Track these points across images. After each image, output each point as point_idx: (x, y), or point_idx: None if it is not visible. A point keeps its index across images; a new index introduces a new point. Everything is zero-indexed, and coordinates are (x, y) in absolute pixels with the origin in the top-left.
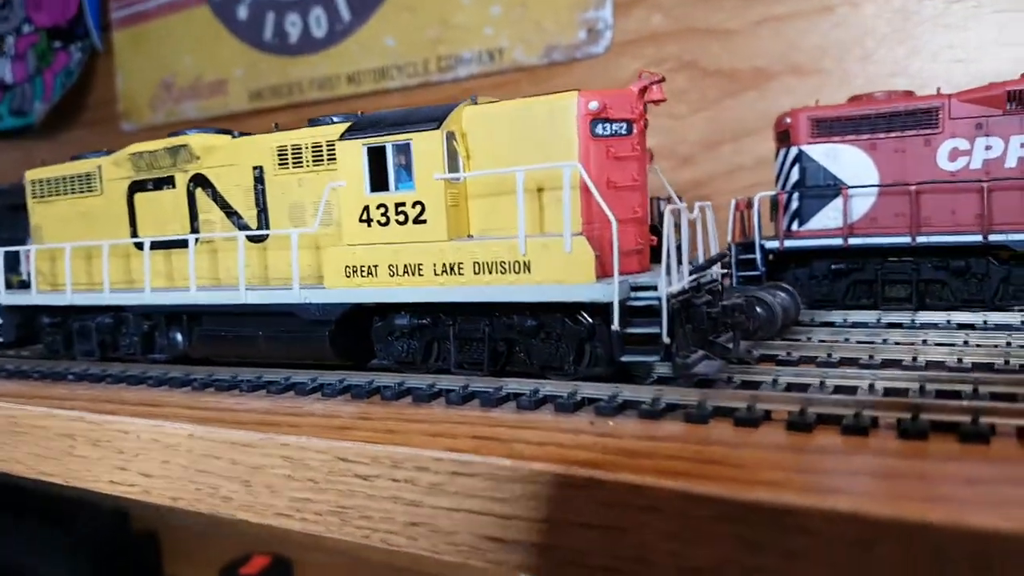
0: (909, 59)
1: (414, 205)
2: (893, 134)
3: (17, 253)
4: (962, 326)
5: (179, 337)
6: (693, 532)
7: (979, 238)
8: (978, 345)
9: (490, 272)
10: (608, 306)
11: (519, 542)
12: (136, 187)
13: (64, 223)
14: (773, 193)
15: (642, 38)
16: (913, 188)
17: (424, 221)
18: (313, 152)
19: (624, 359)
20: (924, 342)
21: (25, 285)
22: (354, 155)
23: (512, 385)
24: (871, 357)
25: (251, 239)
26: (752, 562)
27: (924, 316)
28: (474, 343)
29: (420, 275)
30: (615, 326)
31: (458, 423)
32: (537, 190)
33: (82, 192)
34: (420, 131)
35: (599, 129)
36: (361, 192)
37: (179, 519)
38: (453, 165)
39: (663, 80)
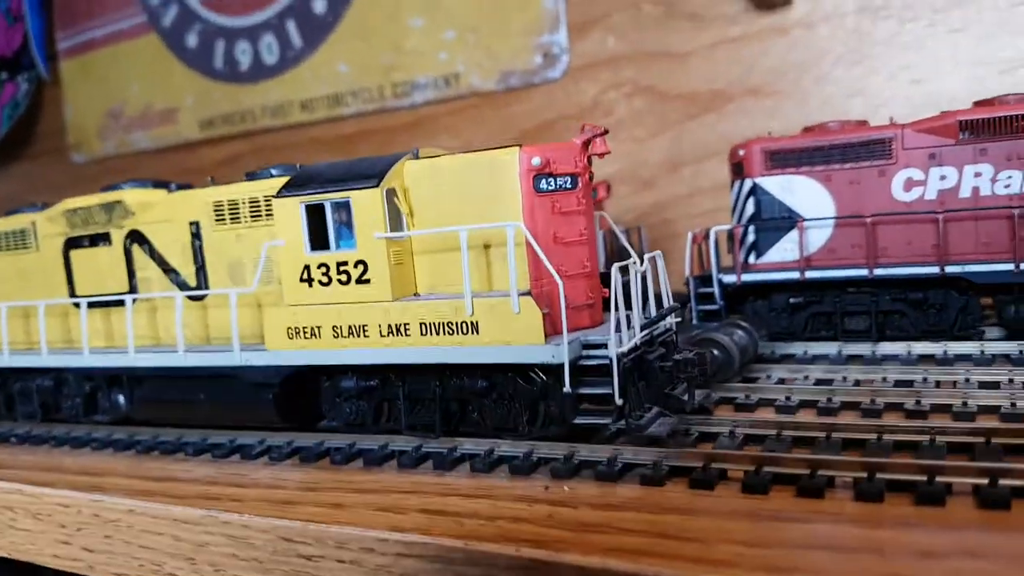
0: (866, 79)
1: (356, 264)
2: (848, 165)
3: None
4: (923, 357)
5: (120, 399)
6: None
7: (936, 270)
8: (937, 383)
9: (437, 333)
10: (559, 366)
11: None
12: (72, 244)
13: (2, 279)
14: (729, 227)
15: (599, 62)
16: (868, 220)
17: (367, 281)
18: (251, 207)
19: (577, 422)
20: (884, 379)
21: None
22: (292, 213)
23: (466, 445)
24: (829, 400)
25: (190, 298)
26: None
27: (885, 347)
28: (425, 403)
29: (365, 336)
30: (567, 388)
31: (409, 492)
32: (484, 246)
33: (17, 248)
34: (359, 188)
35: (543, 184)
36: (300, 251)
37: None
38: (395, 222)
39: (606, 132)
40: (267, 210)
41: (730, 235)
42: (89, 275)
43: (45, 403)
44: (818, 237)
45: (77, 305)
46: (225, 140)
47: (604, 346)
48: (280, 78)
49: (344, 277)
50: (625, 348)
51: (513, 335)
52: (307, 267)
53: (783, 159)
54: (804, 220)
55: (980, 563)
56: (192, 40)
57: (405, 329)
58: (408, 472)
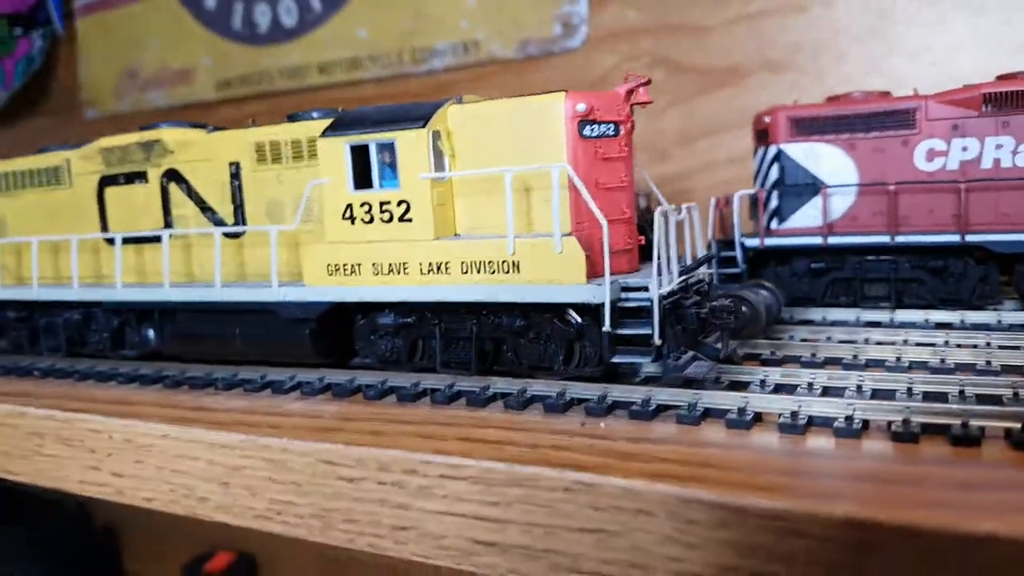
0: (884, 58)
1: (399, 204)
2: (872, 134)
3: None
4: (940, 325)
5: (151, 334)
6: (690, 536)
7: (957, 238)
8: (959, 345)
9: (478, 272)
10: (599, 307)
11: (511, 546)
12: (106, 181)
13: (30, 217)
14: (753, 191)
15: (617, 33)
16: (892, 187)
17: (410, 220)
18: (293, 148)
19: (615, 360)
20: (905, 341)
21: None
22: (336, 153)
23: (499, 385)
24: (855, 357)
25: (227, 235)
26: (750, 566)
27: (902, 315)
28: (460, 342)
29: (405, 274)
30: (606, 327)
31: (445, 424)
32: (525, 190)
33: (49, 185)
34: (405, 130)
35: (587, 130)
36: (344, 190)
37: (142, 516)
38: (439, 164)
39: (649, 82)
40: (310, 151)
41: (753, 200)
42: (123, 212)
43: (71, 337)
44: (841, 204)
45: (109, 241)
46: (242, 101)
47: (643, 289)
48: (298, 40)
49: (386, 216)
50: (666, 290)
51: (554, 275)
52: (350, 205)
53: (808, 126)
54: (828, 186)
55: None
56: (210, 1)
57: (446, 267)
58: (442, 408)
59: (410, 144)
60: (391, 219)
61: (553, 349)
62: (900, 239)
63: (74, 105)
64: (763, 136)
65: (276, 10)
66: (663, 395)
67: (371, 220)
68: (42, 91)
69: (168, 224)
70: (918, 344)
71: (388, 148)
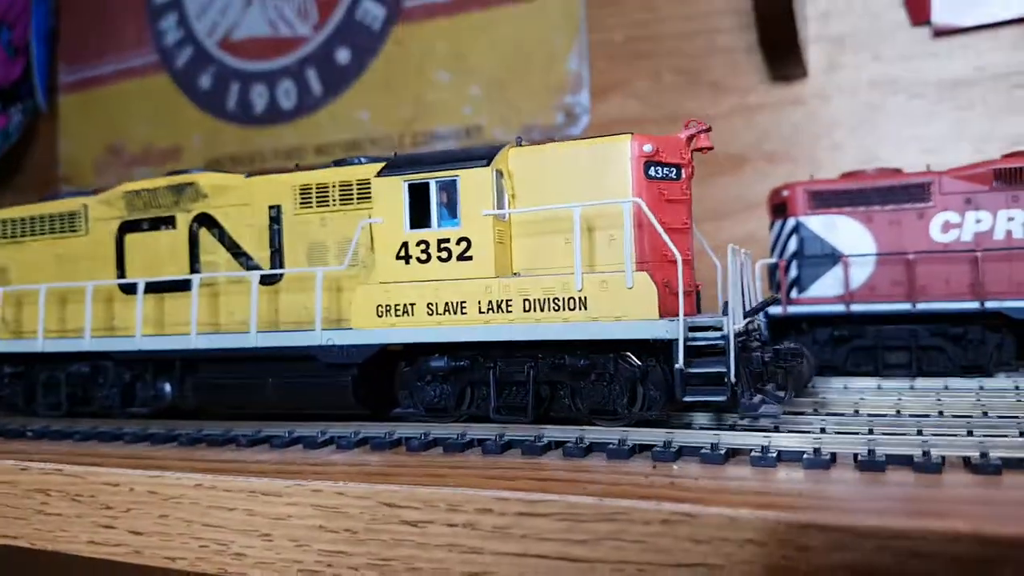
0: (876, 147)
1: (459, 241)
2: (889, 207)
3: None
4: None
5: (167, 388)
6: (802, 564)
7: (976, 305)
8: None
9: (542, 309)
10: (669, 344)
11: None
12: (127, 227)
13: (35, 266)
14: (773, 261)
15: (618, 122)
16: (912, 256)
17: (469, 257)
18: (341, 191)
19: (688, 399)
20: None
21: None
22: (393, 192)
23: (553, 432)
24: (898, 413)
25: (263, 282)
26: None
27: (921, 383)
28: (513, 387)
29: (463, 314)
30: (679, 364)
31: (508, 468)
32: (587, 230)
33: (62, 232)
34: (469, 168)
35: (652, 171)
36: (400, 229)
37: None
38: (500, 203)
39: (709, 129)
40: (359, 194)
41: (771, 271)
42: (144, 260)
43: (72, 394)
44: (859, 274)
45: (125, 291)
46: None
47: (715, 328)
48: (296, 123)
49: (444, 254)
50: (739, 328)
51: (624, 311)
52: (405, 244)
53: (826, 200)
54: (848, 256)
55: None
56: (206, 81)
57: (507, 306)
58: (494, 457)
59: (474, 181)
60: (449, 257)
61: (617, 391)
62: (921, 306)
63: (48, 182)
64: (780, 209)
65: (274, 92)
66: (732, 439)
67: (427, 259)
68: (18, 166)
69: (195, 271)
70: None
71: (450, 186)
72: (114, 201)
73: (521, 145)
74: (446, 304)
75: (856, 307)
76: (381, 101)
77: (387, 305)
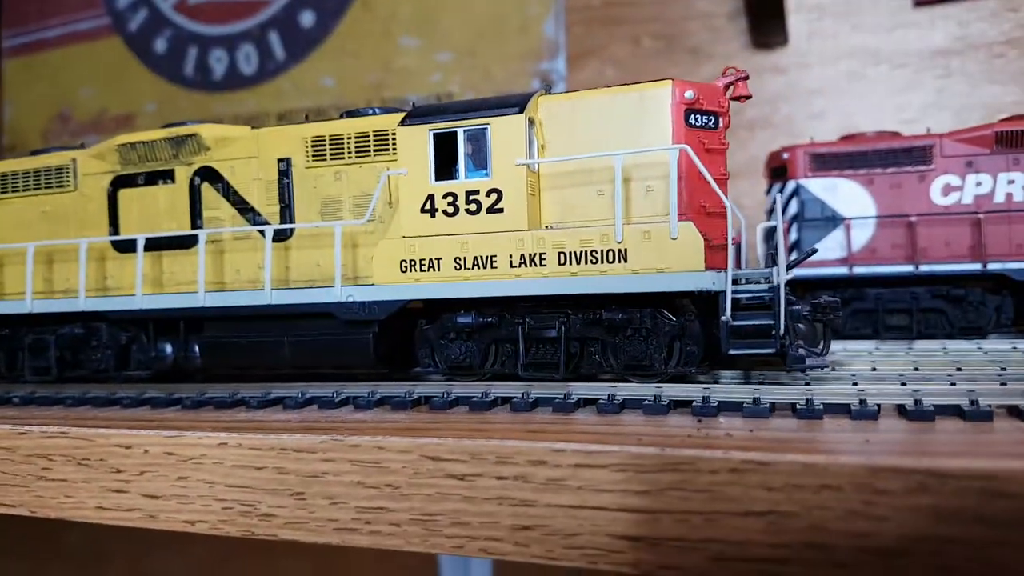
0: (858, 116)
1: (489, 193)
2: (890, 169)
3: None
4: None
5: (168, 349)
6: (879, 509)
7: (978, 267)
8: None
9: (578, 262)
10: (714, 297)
11: (663, 539)
12: (121, 182)
13: (18, 224)
14: (772, 224)
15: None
16: (914, 219)
17: (500, 210)
18: (358, 142)
19: (734, 352)
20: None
21: None
22: (418, 142)
23: (581, 389)
24: (916, 369)
25: (272, 237)
26: (946, 533)
27: (920, 345)
28: (540, 344)
29: (493, 268)
30: (726, 316)
31: (539, 425)
32: (624, 180)
33: (48, 188)
34: (500, 115)
35: (692, 119)
36: (424, 181)
37: None
38: (531, 153)
39: (747, 77)
40: (377, 145)
41: (769, 234)
42: (140, 215)
43: (61, 358)
44: (860, 237)
45: (119, 248)
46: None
47: (759, 280)
48: (257, 88)
49: (473, 207)
50: (785, 280)
51: (668, 262)
52: (431, 197)
53: (827, 162)
54: (850, 219)
55: None
56: (161, 45)
57: (540, 259)
58: (524, 414)
59: (505, 130)
60: (478, 210)
61: (654, 346)
62: (924, 268)
63: None
64: (780, 172)
65: (234, 57)
66: (773, 393)
67: (455, 212)
68: None
69: (197, 227)
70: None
71: (479, 135)
72: (106, 154)
73: (550, 92)
74: (475, 258)
75: (858, 269)
76: (347, 67)
77: (411, 260)
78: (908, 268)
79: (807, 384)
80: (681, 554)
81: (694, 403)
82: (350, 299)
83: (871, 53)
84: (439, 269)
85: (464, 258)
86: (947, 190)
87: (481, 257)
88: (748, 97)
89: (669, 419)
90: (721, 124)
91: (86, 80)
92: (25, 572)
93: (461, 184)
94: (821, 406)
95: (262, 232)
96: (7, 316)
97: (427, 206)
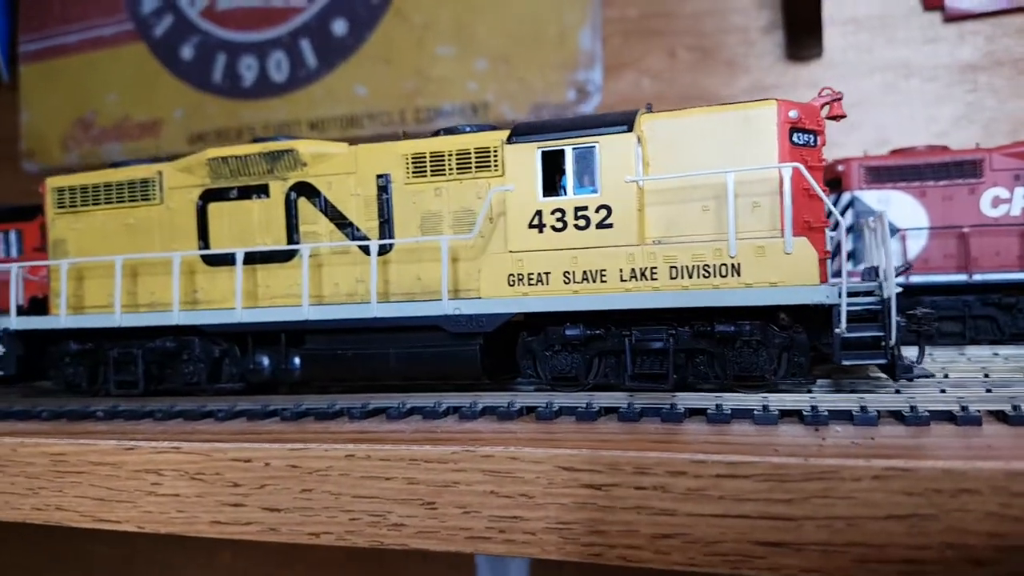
0: (893, 128)
1: (598, 209)
2: (942, 182)
3: None
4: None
5: (265, 361)
6: (1015, 510)
7: None
8: None
9: (690, 276)
10: (826, 310)
11: (806, 544)
12: (211, 196)
13: (99, 236)
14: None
15: (631, 101)
16: (966, 230)
17: (610, 225)
18: (459, 159)
19: (847, 363)
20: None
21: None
22: (525, 159)
23: (686, 401)
24: (986, 376)
25: (367, 251)
26: None
27: (971, 351)
28: (647, 356)
29: (603, 282)
30: (839, 328)
31: (647, 435)
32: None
33: (132, 201)
34: (609, 134)
35: (795, 138)
36: (532, 197)
37: None
38: (638, 169)
39: (841, 97)
40: (479, 162)
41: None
42: (232, 230)
43: (147, 372)
44: (913, 247)
45: (209, 262)
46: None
47: (868, 293)
48: (288, 96)
49: (582, 222)
50: (895, 292)
51: (782, 276)
52: (539, 212)
53: (880, 175)
54: (905, 230)
55: None
56: (187, 52)
57: (651, 273)
58: (631, 424)
59: (615, 147)
60: (587, 225)
61: (765, 358)
62: (978, 277)
63: (9, 156)
64: (834, 184)
65: (264, 65)
66: (877, 402)
67: (563, 227)
68: None
69: (293, 241)
70: None
71: (587, 153)
72: (195, 168)
73: (651, 111)
74: (584, 272)
75: (915, 278)
76: (380, 75)
77: (519, 274)
78: (962, 277)
79: (897, 392)
80: (824, 558)
81: (804, 413)
82: (457, 312)
83: (903, 66)
84: (547, 283)
85: (573, 272)
86: (996, 202)
87: (591, 271)
88: (843, 117)
89: (779, 428)
90: (819, 142)
91: (109, 86)
92: None
93: (569, 200)
94: (927, 413)
95: (363, 248)
96: (92, 330)
97: (535, 221)
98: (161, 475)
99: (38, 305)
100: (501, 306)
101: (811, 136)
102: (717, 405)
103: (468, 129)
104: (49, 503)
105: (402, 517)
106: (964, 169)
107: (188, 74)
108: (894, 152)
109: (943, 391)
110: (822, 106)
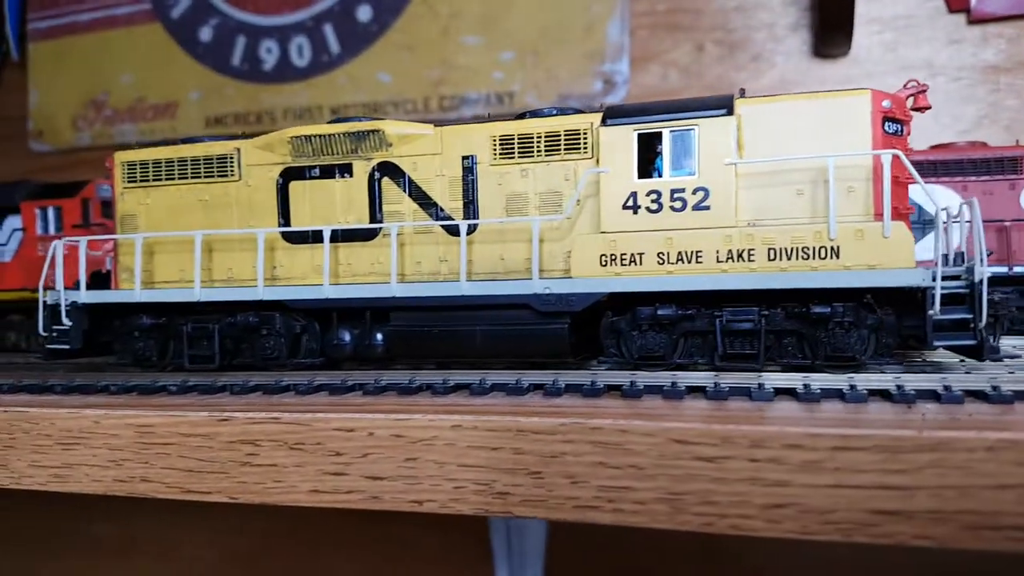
0: (917, 127)
1: (695, 191)
2: (983, 177)
3: None
4: None
5: (347, 337)
6: None
7: None
8: None
9: (788, 258)
10: (910, 292)
11: (918, 512)
12: (292, 174)
13: (172, 211)
14: None
15: (658, 93)
16: (1008, 224)
17: (707, 207)
18: (547, 141)
19: (938, 344)
20: None
21: None
22: (621, 141)
23: (774, 380)
24: None
25: (454, 232)
26: None
27: (1006, 341)
28: (735, 336)
29: (699, 262)
30: (933, 311)
31: (737, 413)
32: (823, 182)
33: (209, 177)
34: (708, 117)
35: (887, 127)
36: (626, 178)
37: None
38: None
39: (926, 89)
40: (568, 144)
41: None
42: (312, 207)
43: (224, 347)
44: (954, 240)
45: (289, 239)
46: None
47: (958, 277)
48: (310, 81)
49: (678, 204)
50: (986, 276)
51: (879, 259)
52: (634, 194)
53: (923, 169)
54: (948, 221)
55: None
56: (206, 34)
57: (749, 255)
58: (719, 402)
59: (714, 131)
60: (684, 207)
61: (856, 338)
62: (1017, 269)
63: (14, 136)
64: None
65: (286, 48)
66: (960, 381)
67: (659, 209)
68: None
69: (377, 220)
70: None
71: (686, 135)
72: (276, 146)
73: (744, 96)
74: (679, 253)
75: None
76: (404, 63)
77: (612, 255)
78: (1003, 269)
79: (967, 372)
80: (935, 525)
81: (891, 391)
82: (547, 291)
83: (928, 66)
84: (640, 263)
85: (668, 253)
86: None
87: (686, 252)
88: (928, 108)
89: (868, 406)
90: (905, 132)
91: (123, 66)
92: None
93: (666, 182)
94: (1011, 392)
95: (447, 228)
96: (163, 305)
97: (629, 203)
98: (258, 445)
99: (99, 280)
100: (592, 285)
101: (899, 126)
102: (805, 384)
103: (553, 112)
104: (134, 475)
105: (507, 486)
106: (1004, 165)
107: (206, 56)
108: (934, 147)
109: (1011, 372)
110: (907, 97)
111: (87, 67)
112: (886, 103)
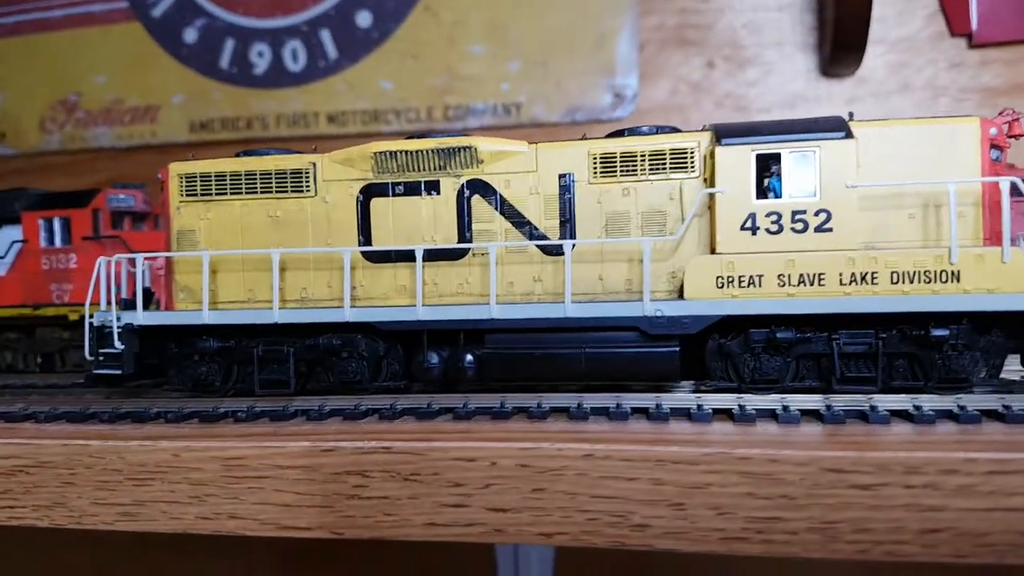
0: None
1: (817, 213)
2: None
3: None
4: None
5: (435, 359)
6: None
7: None
8: None
9: (910, 282)
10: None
11: None
12: (374, 191)
13: (236, 228)
14: None
15: (668, 107)
16: None
17: (829, 230)
18: (652, 160)
19: None
20: None
21: None
22: (739, 161)
23: (886, 403)
24: None
25: (546, 251)
26: None
27: None
28: (849, 359)
29: (820, 285)
30: None
31: (852, 436)
32: (934, 206)
33: (281, 192)
34: (829, 139)
35: (992, 154)
36: (744, 199)
37: None
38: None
39: (1019, 118)
40: (674, 163)
41: None
42: (396, 225)
43: (298, 371)
44: None
45: (371, 259)
46: (223, 145)
47: None
48: (305, 87)
49: (799, 225)
50: None
51: (999, 283)
52: (752, 215)
53: None
54: None
55: None
56: (191, 35)
57: (872, 278)
58: (835, 426)
59: (835, 153)
60: (805, 229)
61: (969, 360)
62: None
63: None
64: None
65: (279, 52)
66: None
67: (779, 230)
68: None
69: (466, 239)
70: None
71: (807, 157)
72: (357, 161)
73: (852, 119)
74: (800, 276)
75: None
76: (407, 71)
77: (729, 276)
78: None
79: None
80: None
81: (1001, 412)
82: (659, 313)
83: (933, 87)
84: (760, 285)
85: (789, 275)
86: None
87: (808, 275)
88: (1022, 135)
89: (983, 427)
90: (1003, 158)
91: (96, 67)
92: None
93: (786, 203)
94: None
95: (543, 248)
96: (230, 327)
97: (747, 224)
98: (367, 476)
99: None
100: (708, 308)
101: (1000, 152)
102: (916, 406)
103: (648, 130)
104: (220, 511)
105: (646, 518)
106: None
107: (191, 58)
108: None
109: None
110: (1003, 124)
111: (56, 66)
112: (992, 131)
